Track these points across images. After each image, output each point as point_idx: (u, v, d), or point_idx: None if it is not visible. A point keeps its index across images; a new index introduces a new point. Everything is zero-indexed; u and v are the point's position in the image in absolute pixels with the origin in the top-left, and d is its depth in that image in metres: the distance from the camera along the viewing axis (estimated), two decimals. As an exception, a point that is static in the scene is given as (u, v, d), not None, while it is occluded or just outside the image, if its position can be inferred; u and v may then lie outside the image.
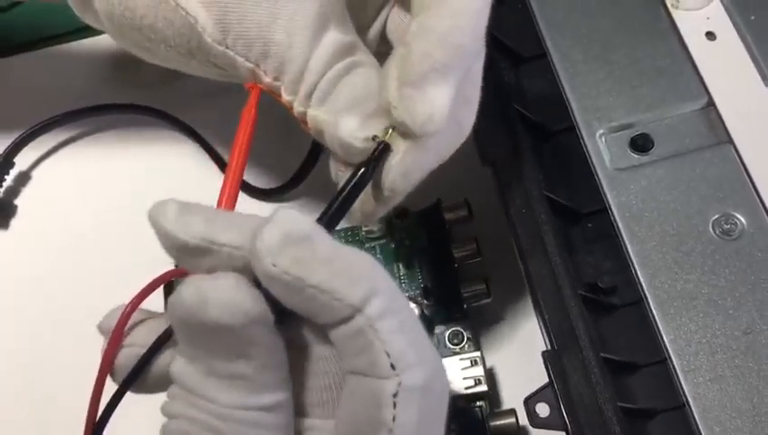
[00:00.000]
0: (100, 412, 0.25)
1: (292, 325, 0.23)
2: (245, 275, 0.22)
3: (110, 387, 0.25)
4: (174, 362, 0.23)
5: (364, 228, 0.40)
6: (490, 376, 0.38)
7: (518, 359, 0.39)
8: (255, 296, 0.21)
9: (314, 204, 0.44)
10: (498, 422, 0.35)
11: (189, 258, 0.22)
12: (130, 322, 0.25)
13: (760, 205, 0.32)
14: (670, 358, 0.30)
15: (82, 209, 0.46)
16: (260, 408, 0.22)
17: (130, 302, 0.25)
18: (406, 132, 0.26)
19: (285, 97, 0.28)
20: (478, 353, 0.36)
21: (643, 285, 0.31)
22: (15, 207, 0.47)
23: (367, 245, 0.40)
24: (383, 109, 0.26)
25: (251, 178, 0.45)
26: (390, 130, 0.26)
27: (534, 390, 0.32)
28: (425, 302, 0.38)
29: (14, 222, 0.47)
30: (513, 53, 0.39)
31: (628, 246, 0.32)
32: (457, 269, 0.38)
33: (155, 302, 0.25)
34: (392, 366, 0.21)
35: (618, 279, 0.33)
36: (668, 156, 0.34)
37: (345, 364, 0.22)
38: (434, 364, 0.22)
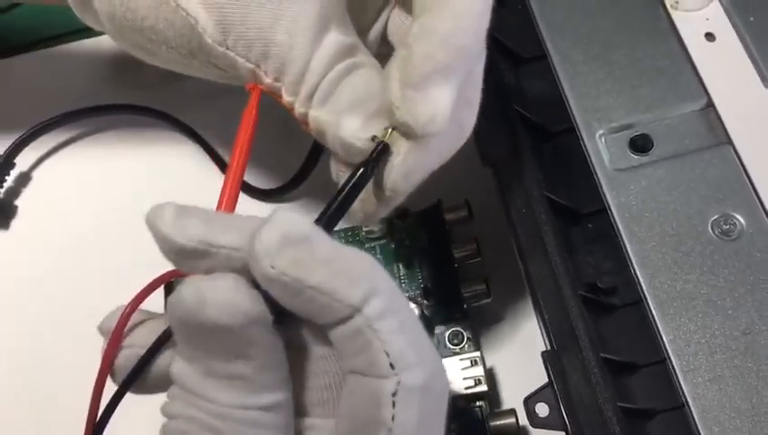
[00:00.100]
0: (100, 413, 0.25)
1: (292, 325, 0.23)
2: (244, 276, 0.22)
3: (110, 387, 0.25)
4: (173, 362, 0.23)
5: (364, 229, 0.40)
6: (490, 376, 0.38)
7: (518, 359, 0.39)
8: (254, 297, 0.21)
9: (315, 204, 0.44)
10: (498, 422, 0.35)
11: (187, 261, 0.22)
12: (130, 322, 0.25)
13: (759, 205, 0.32)
14: (670, 358, 0.30)
15: (83, 210, 0.46)
16: (259, 408, 0.22)
17: (130, 302, 0.25)
18: (408, 133, 0.26)
19: (286, 98, 0.28)
20: (478, 353, 0.36)
21: (643, 285, 0.31)
22: (16, 207, 0.47)
23: (367, 245, 0.40)
24: (385, 109, 0.26)
25: (251, 178, 0.45)
26: (390, 131, 0.26)
27: (534, 390, 0.32)
28: (425, 302, 0.38)
29: (14, 222, 0.47)
30: (514, 55, 0.39)
31: (628, 247, 0.32)
32: (457, 269, 0.38)
33: (155, 302, 0.25)
34: (392, 366, 0.21)
35: (617, 279, 0.33)
36: (668, 156, 0.34)
37: (345, 364, 0.22)
38: (433, 364, 0.22)
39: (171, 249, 0.22)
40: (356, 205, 0.26)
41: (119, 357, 0.25)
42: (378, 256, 0.40)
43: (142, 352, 0.25)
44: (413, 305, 0.37)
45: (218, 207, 0.26)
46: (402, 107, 0.25)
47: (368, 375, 0.21)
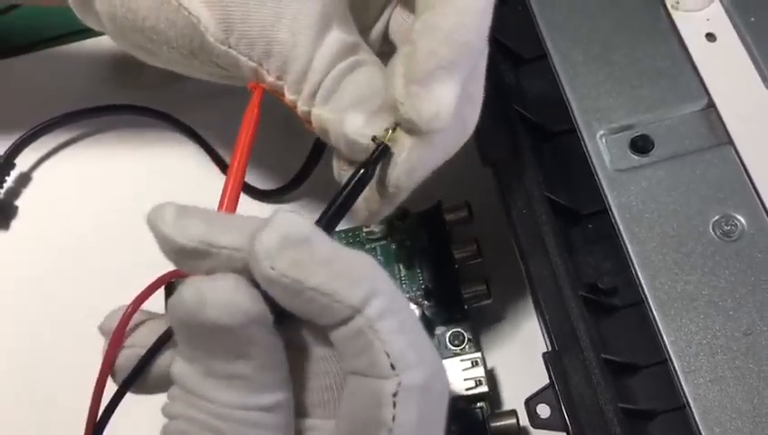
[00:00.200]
0: (100, 413, 0.25)
1: (292, 326, 0.23)
2: (245, 276, 0.22)
3: (111, 387, 0.25)
4: (174, 362, 0.23)
5: (365, 229, 0.40)
6: (491, 377, 0.38)
7: (519, 360, 0.39)
8: (254, 297, 0.21)
9: (316, 205, 0.44)
10: (499, 423, 0.35)
11: (188, 261, 0.22)
12: (131, 323, 0.25)
13: (760, 206, 0.32)
14: (671, 359, 0.30)
15: (83, 210, 0.46)
16: (260, 408, 0.22)
17: (131, 303, 0.25)
18: (412, 129, 0.26)
19: (289, 96, 0.28)
20: (479, 354, 0.36)
21: (643, 286, 0.31)
22: (16, 208, 0.47)
23: (367, 246, 0.40)
24: (389, 106, 0.26)
25: (252, 178, 0.45)
26: (391, 131, 0.26)
27: (535, 391, 0.32)
28: (425, 303, 0.38)
29: (14, 223, 0.47)
30: (514, 55, 0.39)
31: (629, 247, 0.32)
32: (458, 270, 0.38)
33: (156, 303, 0.25)
34: (392, 366, 0.21)
35: (618, 280, 0.33)
36: (669, 157, 0.34)
37: (345, 365, 0.22)
38: (434, 364, 0.22)
39: (172, 249, 0.22)
40: (360, 203, 0.26)
41: (119, 357, 0.25)
42: (378, 256, 0.40)
43: (143, 352, 0.25)
44: (414, 306, 0.37)
45: (219, 208, 0.26)
46: (406, 103, 0.25)
47: (368, 376, 0.21)
